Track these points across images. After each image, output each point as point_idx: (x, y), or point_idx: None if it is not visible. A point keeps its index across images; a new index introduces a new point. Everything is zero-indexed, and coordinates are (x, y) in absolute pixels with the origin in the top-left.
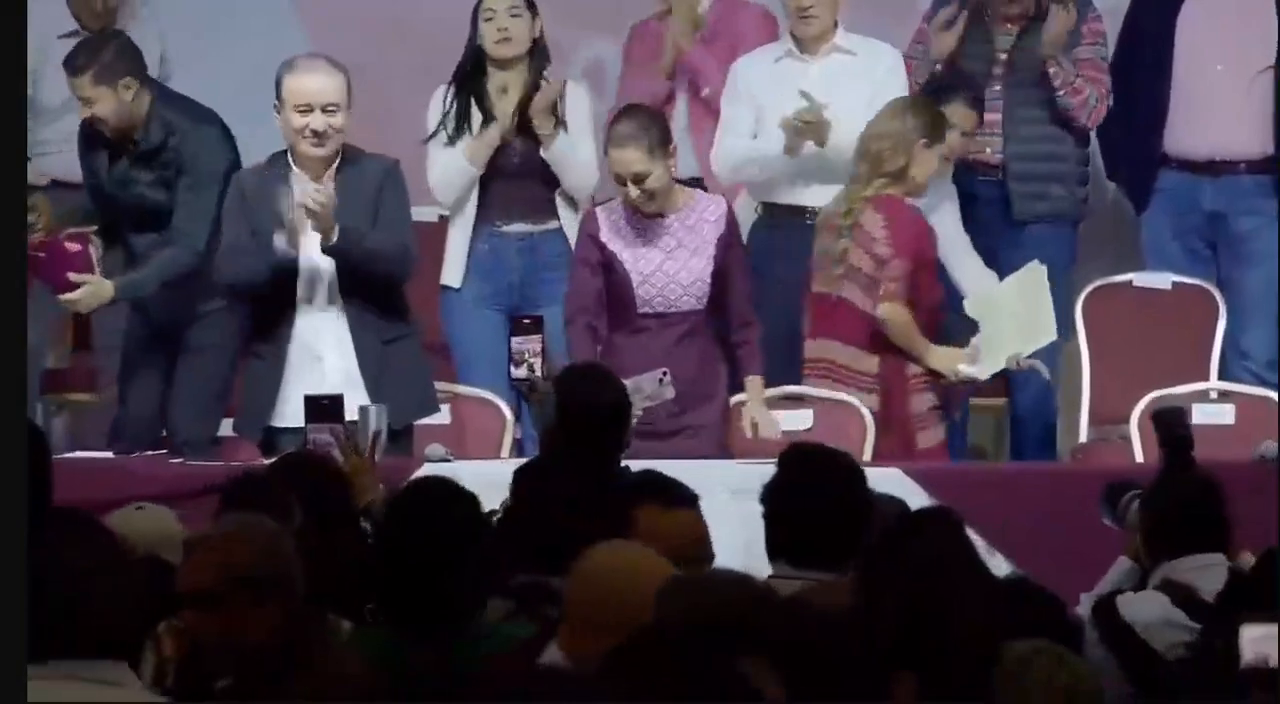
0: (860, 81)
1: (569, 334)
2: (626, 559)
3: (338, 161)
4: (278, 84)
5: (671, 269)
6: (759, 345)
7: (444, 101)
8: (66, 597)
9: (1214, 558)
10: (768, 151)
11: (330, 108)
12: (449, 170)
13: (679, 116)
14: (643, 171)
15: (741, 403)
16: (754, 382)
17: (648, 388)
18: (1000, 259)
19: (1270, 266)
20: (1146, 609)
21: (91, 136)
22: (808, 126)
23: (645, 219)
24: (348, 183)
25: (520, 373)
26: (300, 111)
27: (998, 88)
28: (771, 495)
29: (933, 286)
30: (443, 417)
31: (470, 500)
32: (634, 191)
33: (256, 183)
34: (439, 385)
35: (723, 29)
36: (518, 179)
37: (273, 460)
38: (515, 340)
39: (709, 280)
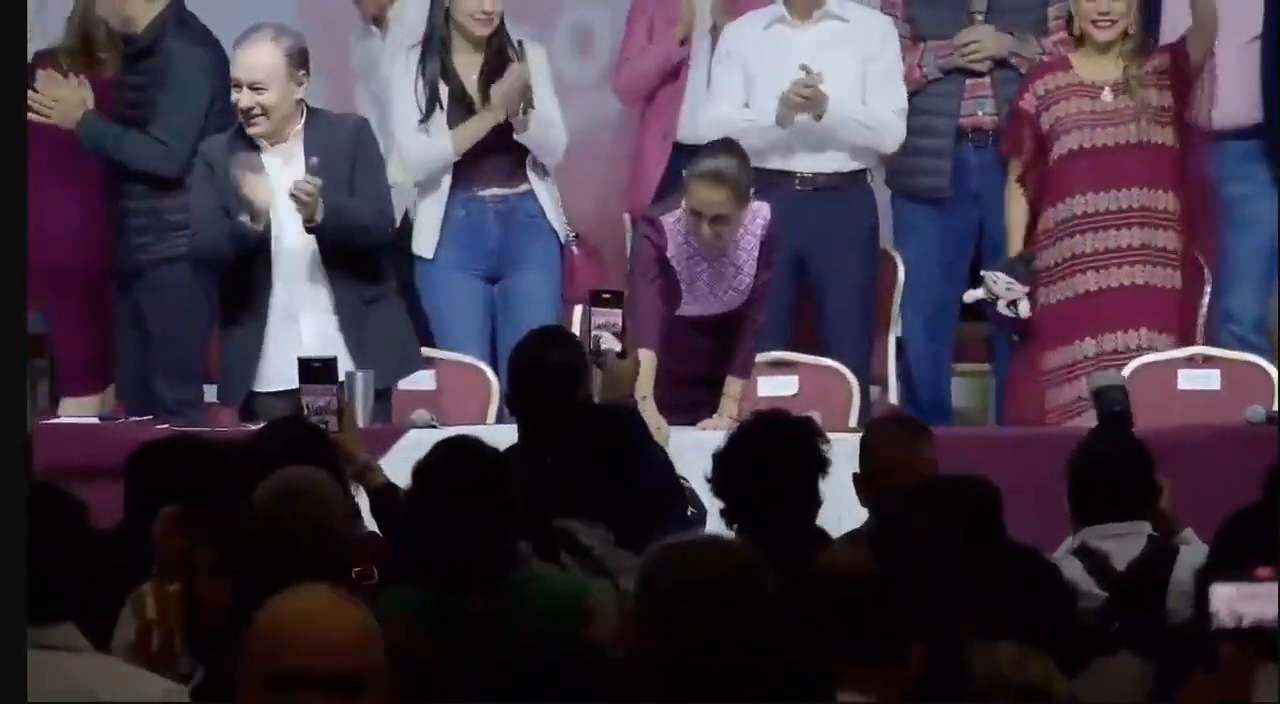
0: (852, 49)
1: (639, 306)
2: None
3: (302, 126)
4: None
5: (717, 287)
6: (751, 346)
7: (413, 76)
8: (39, 562)
9: (1134, 526)
10: (759, 122)
11: (257, 85)
12: (428, 155)
13: (697, 81)
14: (725, 215)
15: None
16: (732, 383)
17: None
18: (990, 226)
19: (1258, 232)
20: None
21: None
22: (807, 101)
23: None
24: (317, 147)
25: (612, 345)
26: (235, 87)
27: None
28: (717, 463)
29: None
30: (428, 382)
31: (494, 455)
32: (708, 230)
33: (222, 154)
34: (425, 351)
35: None
36: (492, 147)
37: (262, 426)
38: (597, 312)
39: (747, 290)
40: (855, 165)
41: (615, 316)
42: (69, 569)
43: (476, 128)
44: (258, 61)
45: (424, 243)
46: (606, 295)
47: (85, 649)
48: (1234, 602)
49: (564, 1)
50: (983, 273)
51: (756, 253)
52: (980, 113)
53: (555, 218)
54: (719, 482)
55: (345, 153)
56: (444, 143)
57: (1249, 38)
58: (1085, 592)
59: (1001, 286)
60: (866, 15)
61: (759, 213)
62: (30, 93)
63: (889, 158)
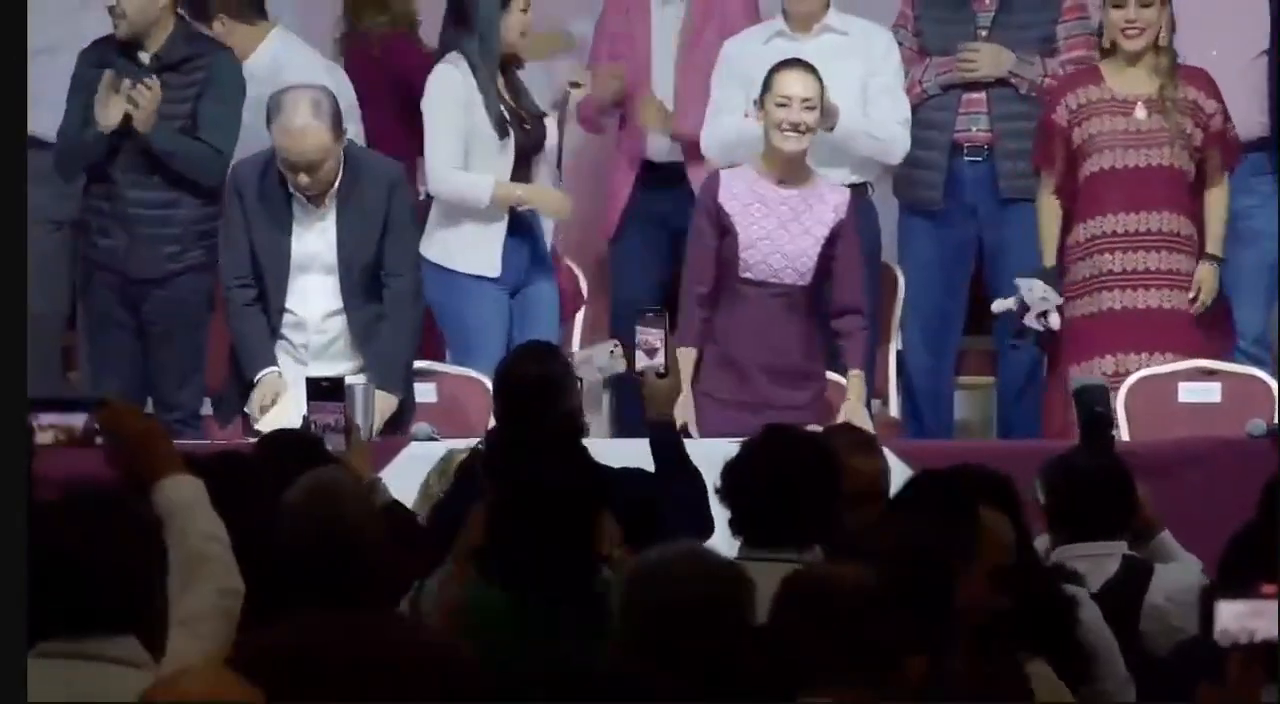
0: (853, 62)
1: (686, 303)
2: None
3: (339, 181)
4: (268, 118)
5: (780, 239)
6: (864, 340)
7: (460, 98)
8: (107, 572)
9: (1110, 546)
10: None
11: (313, 167)
12: (462, 194)
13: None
14: (812, 99)
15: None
16: (855, 376)
17: (599, 360)
18: (987, 240)
19: (1261, 246)
20: None
21: (100, 56)
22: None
23: (767, 186)
24: (352, 191)
25: (654, 363)
26: (289, 166)
27: None
28: (727, 474)
29: None
30: (430, 395)
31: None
32: (796, 114)
33: (254, 187)
34: (426, 364)
35: (713, 11)
36: (528, 165)
37: (260, 437)
38: (639, 330)
39: (814, 258)
40: (856, 178)
41: (655, 335)
42: (138, 581)
43: (517, 197)
44: (312, 146)
45: (483, 261)
46: (649, 313)
47: (147, 665)
48: (1240, 619)
49: (556, 18)
50: (1017, 279)
51: (828, 225)
52: (974, 129)
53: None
54: (726, 491)
55: (378, 210)
56: (483, 191)
57: (1255, 53)
58: None
59: (1037, 294)
60: (866, 28)
61: (837, 190)
62: (129, 89)
63: (888, 169)
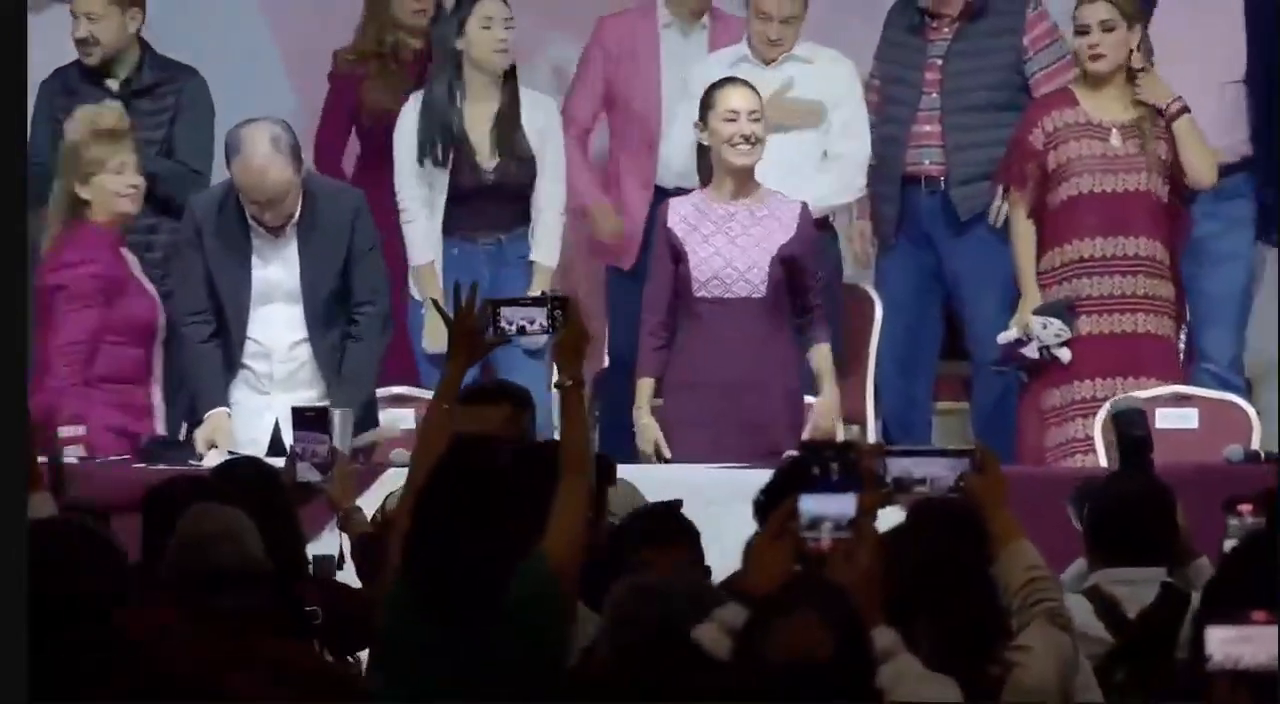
0: (817, 92)
1: (640, 334)
2: None
3: (299, 210)
4: (226, 155)
5: (731, 254)
6: (823, 316)
7: (417, 122)
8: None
9: (1149, 572)
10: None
11: (274, 200)
12: (411, 233)
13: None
14: (758, 112)
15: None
16: (820, 352)
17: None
18: (945, 271)
19: (1230, 270)
20: None
21: (64, 84)
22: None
23: (715, 204)
24: (313, 220)
25: None
26: (251, 202)
27: (933, 95)
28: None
29: None
30: (409, 421)
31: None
32: (745, 127)
33: (212, 220)
34: (405, 390)
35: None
36: (492, 195)
37: (216, 467)
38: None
39: (765, 268)
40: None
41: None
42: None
43: (427, 296)
44: (274, 182)
45: (431, 286)
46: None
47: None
48: (1230, 644)
49: (544, 41)
50: (1032, 316)
51: (781, 239)
52: (926, 162)
53: (543, 256)
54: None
55: (340, 238)
56: (415, 256)
57: (1227, 77)
58: (1089, 635)
59: (1051, 333)
60: (832, 58)
61: (790, 204)
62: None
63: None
